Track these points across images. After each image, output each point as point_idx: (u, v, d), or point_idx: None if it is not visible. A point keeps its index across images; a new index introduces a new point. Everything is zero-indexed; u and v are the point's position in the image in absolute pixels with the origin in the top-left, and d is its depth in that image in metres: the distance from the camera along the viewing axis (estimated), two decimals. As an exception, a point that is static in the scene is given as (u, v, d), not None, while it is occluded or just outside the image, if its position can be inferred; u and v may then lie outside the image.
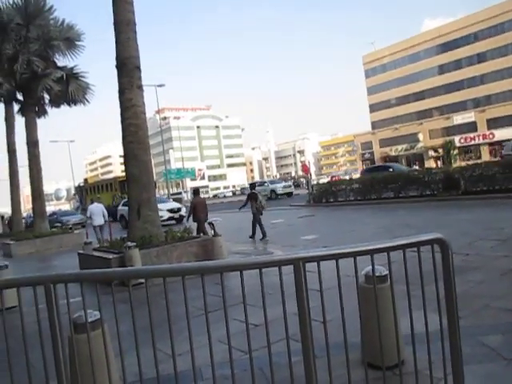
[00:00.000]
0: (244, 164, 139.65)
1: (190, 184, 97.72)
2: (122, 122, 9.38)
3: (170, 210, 22.64)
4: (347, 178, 28.27)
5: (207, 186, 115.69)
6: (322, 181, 50.73)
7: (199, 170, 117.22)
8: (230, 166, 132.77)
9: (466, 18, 65.19)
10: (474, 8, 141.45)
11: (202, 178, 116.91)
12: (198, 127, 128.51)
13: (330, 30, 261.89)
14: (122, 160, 11.33)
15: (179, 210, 23.15)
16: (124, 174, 10.82)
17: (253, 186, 15.23)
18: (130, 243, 8.02)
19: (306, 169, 29.41)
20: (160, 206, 18.30)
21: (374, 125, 78.80)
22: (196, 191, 13.11)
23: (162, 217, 18.45)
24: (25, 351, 2.52)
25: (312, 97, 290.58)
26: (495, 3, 57.52)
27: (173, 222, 22.00)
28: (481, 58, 63.78)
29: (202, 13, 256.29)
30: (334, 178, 43.20)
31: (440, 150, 59.57)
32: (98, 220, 15.42)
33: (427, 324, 2.38)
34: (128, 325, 2.44)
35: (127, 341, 2.47)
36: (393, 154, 69.13)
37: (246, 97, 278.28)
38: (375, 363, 2.75)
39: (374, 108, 79.75)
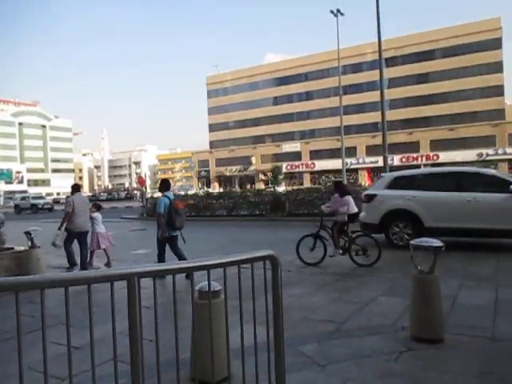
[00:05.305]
0: (73, 170, 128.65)
1: (3, 187, 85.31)
2: None
3: None
4: (182, 193, 28.11)
5: (26, 192, 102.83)
6: (156, 194, 49.94)
7: (17, 172, 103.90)
8: (55, 171, 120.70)
9: (300, 59, 73.40)
10: (310, 50, 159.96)
11: (20, 181, 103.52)
12: (20, 124, 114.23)
13: (177, 53, 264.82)
14: None
15: None
16: None
17: None
18: None
19: (141, 181, 28.70)
20: None
21: (212, 144, 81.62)
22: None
23: None
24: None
25: (153, 110, 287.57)
26: (325, 50, 65.60)
27: None
28: (309, 95, 72.15)
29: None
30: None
31: (269, 174, 64.74)
32: None
33: (256, 337, 2.48)
34: None
35: None
36: (227, 174, 72.41)
37: (81, 100, 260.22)
38: (204, 379, 2.74)
39: (213, 128, 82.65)
